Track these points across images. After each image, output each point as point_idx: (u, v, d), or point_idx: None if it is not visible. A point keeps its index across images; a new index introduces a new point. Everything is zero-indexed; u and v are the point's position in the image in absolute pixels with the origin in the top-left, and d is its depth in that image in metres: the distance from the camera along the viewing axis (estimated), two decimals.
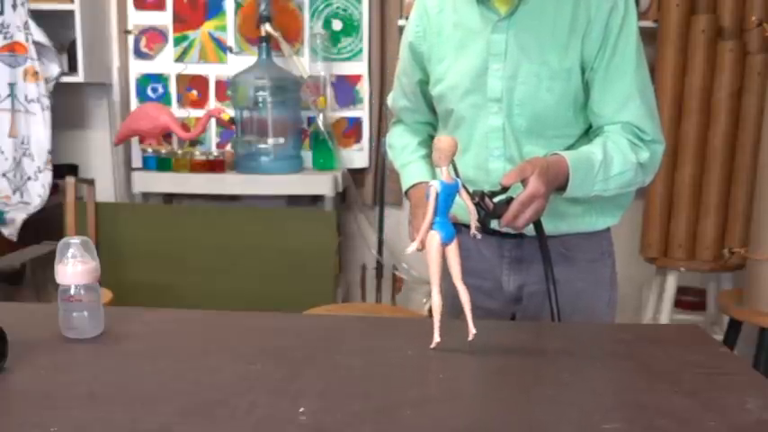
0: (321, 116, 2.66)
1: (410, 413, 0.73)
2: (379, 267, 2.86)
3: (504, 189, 1.09)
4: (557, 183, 1.13)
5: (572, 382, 0.83)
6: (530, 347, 0.97)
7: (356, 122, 2.81)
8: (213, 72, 2.79)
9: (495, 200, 1.09)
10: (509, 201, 1.09)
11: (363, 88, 2.78)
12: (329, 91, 2.75)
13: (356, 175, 2.84)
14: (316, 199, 2.70)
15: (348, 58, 2.77)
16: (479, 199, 1.08)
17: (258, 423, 0.71)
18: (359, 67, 2.77)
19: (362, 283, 2.94)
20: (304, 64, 2.69)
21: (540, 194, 1.08)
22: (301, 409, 0.73)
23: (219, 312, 1.10)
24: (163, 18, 2.75)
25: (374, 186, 2.85)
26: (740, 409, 0.75)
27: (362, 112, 2.79)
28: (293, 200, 2.80)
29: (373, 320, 1.20)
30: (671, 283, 2.59)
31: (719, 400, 0.77)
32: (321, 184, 2.57)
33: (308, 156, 2.74)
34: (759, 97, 2.40)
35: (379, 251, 2.83)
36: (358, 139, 2.81)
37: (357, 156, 2.81)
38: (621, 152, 1.20)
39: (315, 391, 0.79)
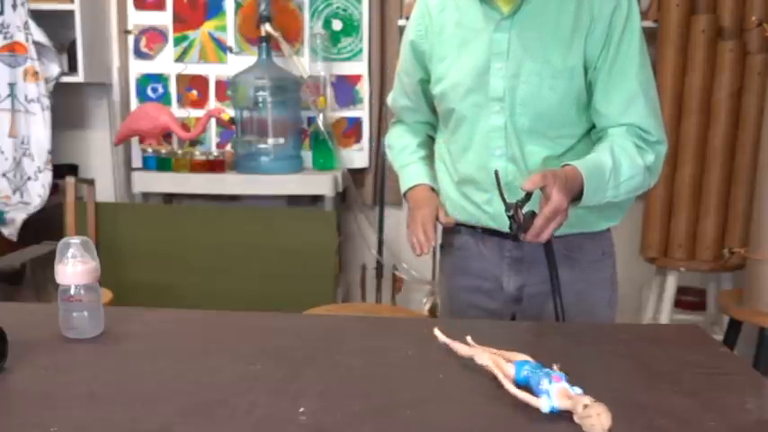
0: (321, 116, 2.66)
1: (410, 413, 0.73)
2: (379, 267, 2.86)
3: (528, 195, 1.09)
4: (573, 194, 1.13)
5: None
6: (530, 348, 0.97)
7: (356, 122, 2.81)
8: (213, 72, 2.79)
9: (522, 211, 1.10)
10: (533, 214, 1.09)
11: (363, 88, 2.78)
12: (329, 91, 2.75)
13: (356, 175, 2.84)
14: (316, 199, 2.70)
15: (348, 58, 2.77)
16: (513, 211, 1.08)
17: (258, 423, 0.71)
18: (359, 67, 2.77)
19: (362, 283, 2.94)
20: (304, 64, 2.69)
21: (563, 208, 1.08)
22: (301, 409, 0.73)
23: (219, 312, 1.10)
24: (163, 18, 2.75)
25: (374, 186, 2.85)
26: (740, 409, 0.75)
27: (362, 112, 2.80)
28: (293, 200, 2.80)
29: (373, 320, 1.20)
30: (671, 283, 2.59)
31: (719, 400, 0.77)
32: (321, 184, 2.57)
33: (308, 156, 2.74)
34: (759, 97, 2.40)
35: (379, 251, 2.83)
36: (358, 139, 2.81)
37: (357, 156, 2.81)
38: (629, 157, 1.19)
39: (315, 391, 0.79)
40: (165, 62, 2.78)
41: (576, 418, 0.70)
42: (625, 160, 1.19)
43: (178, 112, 2.77)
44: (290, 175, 2.59)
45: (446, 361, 0.88)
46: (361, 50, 2.75)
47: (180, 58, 2.78)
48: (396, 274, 2.88)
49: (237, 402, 0.75)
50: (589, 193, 1.14)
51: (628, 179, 1.20)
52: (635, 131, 1.22)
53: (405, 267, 2.87)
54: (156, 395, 0.77)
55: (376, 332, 1.04)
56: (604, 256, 1.36)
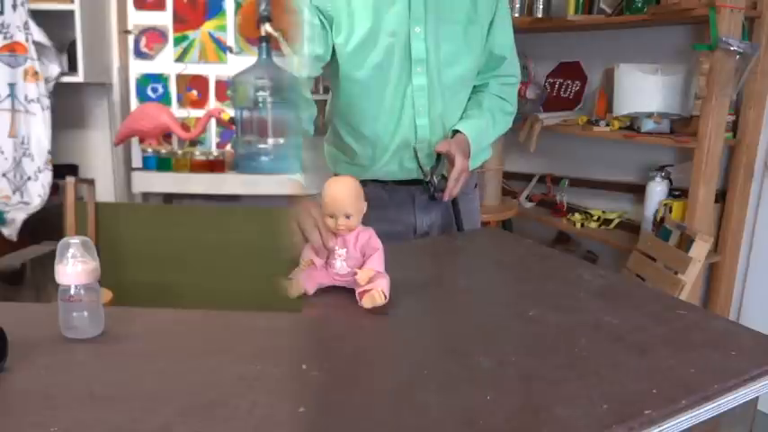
0: None
1: (410, 413, 0.73)
2: None
3: (438, 159, 1.41)
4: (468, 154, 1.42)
5: (571, 376, 0.83)
6: (529, 346, 0.97)
7: None
8: (213, 72, 2.79)
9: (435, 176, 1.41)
10: (443, 178, 1.41)
11: None
12: None
13: None
14: None
15: None
16: (430, 177, 1.40)
17: (258, 423, 0.71)
18: None
19: None
20: None
21: (466, 169, 1.39)
22: (301, 409, 0.73)
23: (219, 312, 1.10)
24: (163, 18, 2.75)
25: None
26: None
27: None
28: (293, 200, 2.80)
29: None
30: None
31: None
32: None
33: None
34: None
35: None
36: None
37: None
38: (501, 110, 1.51)
39: (315, 391, 0.78)
40: (165, 62, 2.78)
41: None
42: (498, 115, 1.51)
43: (178, 112, 2.77)
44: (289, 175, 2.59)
45: (446, 361, 0.88)
46: None
47: (180, 58, 2.77)
48: None
49: (237, 402, 0.75)
50: (476, 152, 1.47)
51: (502, 129, 1.55)
52: (505, 80, 1.51)
53: None
54: (156, 395, 0.77)
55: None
56: (477, 189, 1.67)
